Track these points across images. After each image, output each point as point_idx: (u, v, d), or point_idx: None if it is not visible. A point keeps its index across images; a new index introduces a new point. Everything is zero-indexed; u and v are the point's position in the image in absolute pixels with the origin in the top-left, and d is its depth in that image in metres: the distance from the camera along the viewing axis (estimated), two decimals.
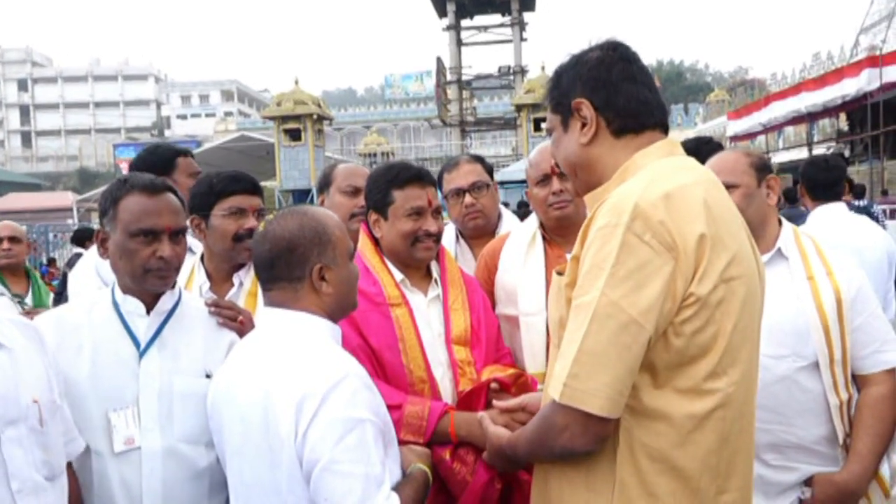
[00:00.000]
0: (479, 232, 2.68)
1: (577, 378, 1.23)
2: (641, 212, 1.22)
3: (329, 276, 1.54)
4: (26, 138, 71.54)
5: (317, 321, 1.53)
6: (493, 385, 1.90)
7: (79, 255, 9.16)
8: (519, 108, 20.94)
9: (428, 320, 2.03)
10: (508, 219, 2.78)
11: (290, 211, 1.60)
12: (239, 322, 1.90)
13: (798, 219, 2.70)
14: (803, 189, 3.53)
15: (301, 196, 20.91)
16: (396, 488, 1.44)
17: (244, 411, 1.47)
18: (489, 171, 2.73)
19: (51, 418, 1.53)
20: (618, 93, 1.39)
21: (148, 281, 1.74)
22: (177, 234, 1.76)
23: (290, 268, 1.52)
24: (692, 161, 1.41)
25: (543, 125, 19.91)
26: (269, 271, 1.55)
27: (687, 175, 1.32)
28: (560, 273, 1.40)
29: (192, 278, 2.23)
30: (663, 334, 1.25)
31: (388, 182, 2.04)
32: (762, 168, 2.24)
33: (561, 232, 2.31)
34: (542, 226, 2.34)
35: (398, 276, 2.06)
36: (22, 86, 72.58)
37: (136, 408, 1.69)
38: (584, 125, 1.41)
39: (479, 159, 2.76)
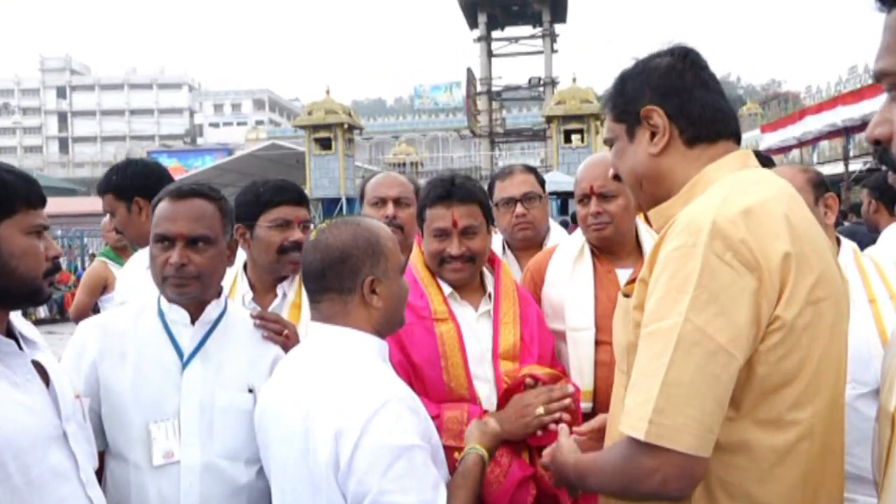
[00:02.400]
0: (528, 243, 2.63)
1: (664, 413, 1.11)
2: (720, 230, 1.13)
3: (380, 289, 1.48)
4: (63, 144, 73.25)
5: (364, 338, 1.47)
6: (529, 381, 1.85)
7: None
8: (549, 119, 20.78)
9: (477, 335, 1.97)
10: (557, 232, 2.73)
11: (343, 220, 1.55)
12: (284, 336, 1.86)
13: (860, 235, 2.60)
14: (879, 203, 3.39)
15: (331, 205, 21.00)
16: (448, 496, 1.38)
17: (286, 431, 1.43)
18: (541, 183, 2.69)
19: (87, 415, 1.54)
20: (692, 100, 1.30)
21: (166, 288, 1.71)
22: (196, 242, 1.69)
23: (340, 279, 1.47)
24: (768, 173, 1.32)
25: (574, 136, 19.95)
26: (319, 282, 1.50)
27: (765, 189, 1.23)
28: (627, 295, 1.31)
29: (235, 288, 2.20)
30: (747, 363, 1.15)
31: (423, 199, 2.02)
32: (819, 185, 2.16)
33: (609, 248, 2.24)
34: (588, 241, 2.28)
35: (447, 289, 2.01)
36: (61, 93, 74.41)
37: (176, 420, 1.66)
38: (653, 134, 1.32)
39: (532, 170, 2.71)
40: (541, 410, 1.82)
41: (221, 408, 1.69)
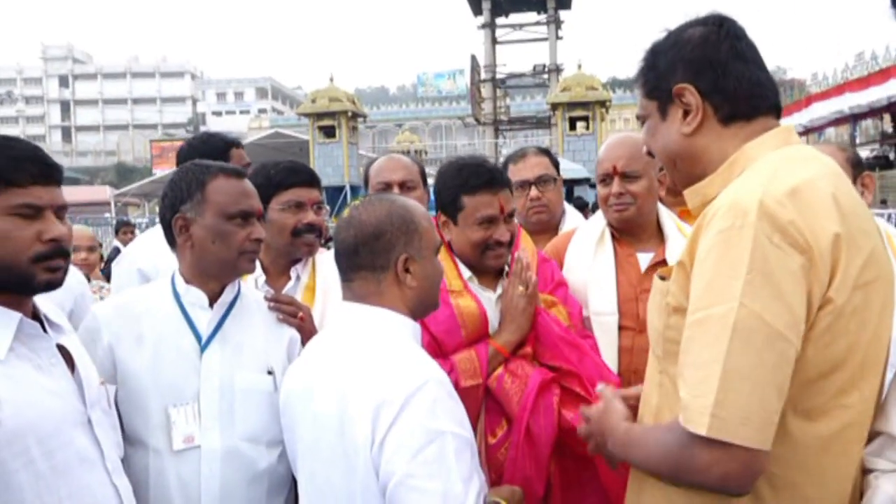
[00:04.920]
0: (542, 227, 2.59)
1: (725, 407, 1.05)
2: (768, 210, 1.07)
3: (414, 268, 1.45)
4: (66, 133, 73.19)
5: (398, 319, 1.44)
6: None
7: (117, 250, 9.36)
8: (554, 106, 20.64)
9: (496, 318, 1.94)
10: (572, 215, 2.69)
11: (377, 198, 1.53)
12: (299, 318, 1.83)
13: None
14: None
15: (335, 193, 20.91)
16: None
17: (319, 412, 1.39)
18: (556, 165, 2.64)
19: (112, 402, 1.51)
20: (727, 74, 1.22)
21: (241, 263, 1.71)
22: (261, 217, 1.77)
23: (374, 256, 1.44)
24: (812, 150, 1.25)
25: (579, 124, 19.81)
26: (352, 259, 1.46)
27: (810, 167, 1.17)
28: (663, 278, 1.27)
29: None
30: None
31: (458, 187, 1.94)
32: (857, 164, 2.12)
33: (630, 231, 2.20)
34: (609, 223, 2.23)
35: (466, 273, 1.98)
36: (63, 82, 74.29)
37: (196, 404, 1.63)
38: (686, 113, 1.25)
39: (546, 152, 2.67)
40: (520, 289, 1.90)
41: (242, 390, 1.66)
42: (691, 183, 1.30)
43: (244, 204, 1.70)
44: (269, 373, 1.70)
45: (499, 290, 1.99)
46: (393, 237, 1.44)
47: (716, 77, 1.23)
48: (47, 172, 1.36)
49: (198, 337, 1.68)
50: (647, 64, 1.32)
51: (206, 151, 2.69)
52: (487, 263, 1.96)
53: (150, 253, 2.46)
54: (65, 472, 1.30)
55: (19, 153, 1.33)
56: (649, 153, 1.39)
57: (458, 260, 2.00)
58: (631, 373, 2.00)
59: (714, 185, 1.23)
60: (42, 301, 1.44)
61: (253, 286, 2.09)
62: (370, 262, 1.44)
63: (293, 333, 1.81)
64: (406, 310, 1.45)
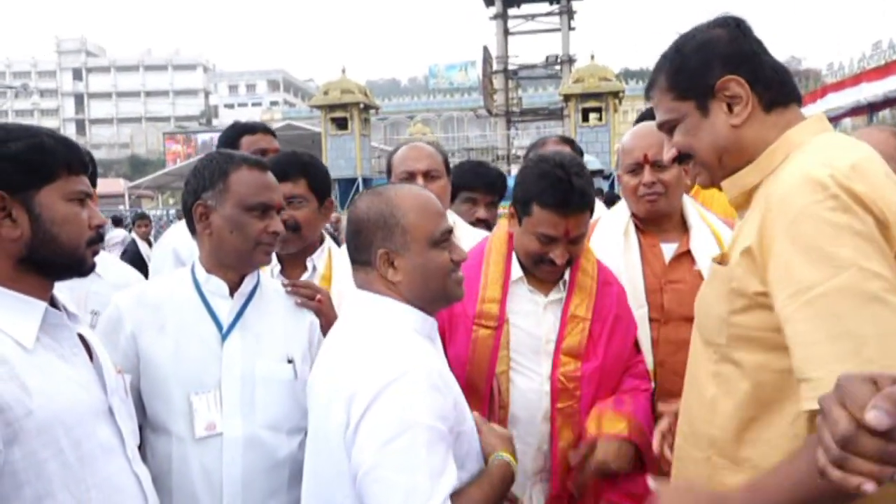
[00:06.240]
0: None
1: (876, 364, 0.98)
2: (842, 183, 1.08)
3: (399, 262, 1.40)
4: (80, 126, 73.71)
5: (402, 309, 1.41)
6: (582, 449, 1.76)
7: (134, 243, 9.44)
8: (567, 97, 20.55)
9: (539, 323, 1.89)
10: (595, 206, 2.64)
11: (370, 191, 1.51)
12: (317, 301, 1.83)
13: None
14: None
15: (347, 185, 20.96)
16: (460, 492, 1.29)
17: (318, 398, 1.41)
18: (579, 153, 2.60)
19: (128, 390, 1.51)
20: (762, 65, 1.28)
21: (256, 255, 1.71)
22: (279, 210, 1.76)
23: (357, 251, 1.45)
24: (850, 136, 1.29)
25: (592, 115, 19.69)
26: (348, 252, 1.50)
27: (859, 149, 1.19)
28: (719, 262, 1.27)
29: None
30: None
31: (534, 193, 1.81)
32: None
33: (655, 222, 2.16)
34: (633, 214, 2.19)
35: (517, 273, 1.92)
36: (77, 75, 74.85)
37: (217, 392, 1.64)
38: (730, 106, 1.27)
39: (567, 141, 2.65)
40: None
41: (262, 378, 1.67)
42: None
43: (264, 196, 1.70)
44: (289, 361, 1.71)
45: (551, 296, 1.92)
46: (370, 233, 1.42)
47: (754, 67, 1.27)
48: (86, 163, 1.43)
49: (219, 326, 1.69)
50: (675, 67, 1.32)
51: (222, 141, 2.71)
52: (538, 274, 1.91)
53: (188, 235, 2.45)
54: (90, 462, 1.31)
55: (74, 145, 1.41)
56: (676, 159, 1.37)
57: (514, 256, 1.94)
58: (657, 365, 1.98)
59: (753, 174, 1.25)
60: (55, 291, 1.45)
61: (269, 276, 2.08)
62: (357, 256, 1.46)
63: (312, 318, 1.82)
64: (405, 301, 1.42)
